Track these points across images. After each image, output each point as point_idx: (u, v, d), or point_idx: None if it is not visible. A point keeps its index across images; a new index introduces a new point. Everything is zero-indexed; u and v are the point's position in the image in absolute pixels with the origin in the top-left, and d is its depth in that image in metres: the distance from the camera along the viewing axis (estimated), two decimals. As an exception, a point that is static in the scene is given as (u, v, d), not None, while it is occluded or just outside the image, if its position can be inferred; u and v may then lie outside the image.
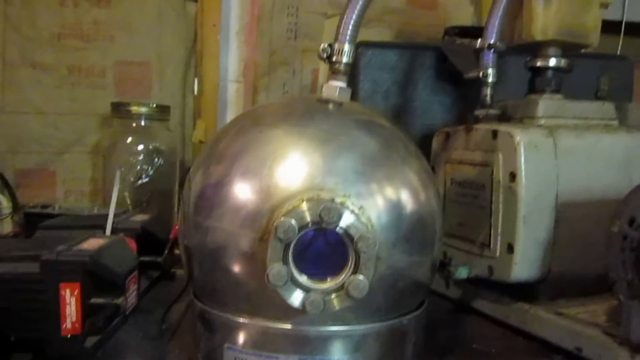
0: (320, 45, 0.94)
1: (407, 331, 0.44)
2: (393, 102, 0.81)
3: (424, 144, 0.69)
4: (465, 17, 0.97)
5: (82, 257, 0.42)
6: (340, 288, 0.36)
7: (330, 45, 0.48)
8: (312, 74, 0.94)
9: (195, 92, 0.98)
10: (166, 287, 0.61)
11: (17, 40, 0.92)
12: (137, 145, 0.82)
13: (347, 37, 0.48)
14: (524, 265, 0.55)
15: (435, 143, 0.66)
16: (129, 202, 0.82)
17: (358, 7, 0.48)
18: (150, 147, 0.82)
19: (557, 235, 0.55)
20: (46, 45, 0.92)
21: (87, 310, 0.42)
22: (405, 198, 0.41)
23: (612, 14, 1.03)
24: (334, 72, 0.48)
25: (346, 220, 0.36)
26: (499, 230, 0.56)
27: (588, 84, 0.82)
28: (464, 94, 0.79)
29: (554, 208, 0.55)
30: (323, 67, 0.95)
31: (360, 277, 0.36)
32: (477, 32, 0.82)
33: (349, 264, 0.36)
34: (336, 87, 0.47)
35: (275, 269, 0.35)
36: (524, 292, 0.58)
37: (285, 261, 0.36)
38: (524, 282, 0.55)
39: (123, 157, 0.81)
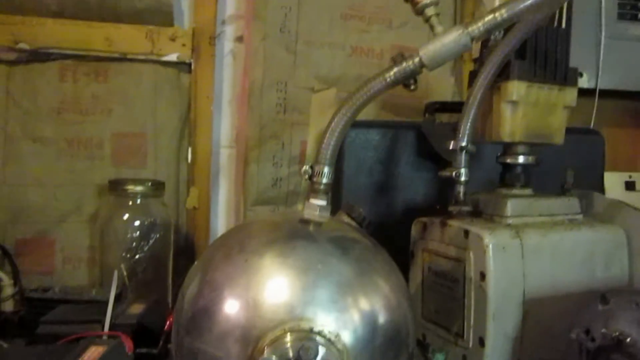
0: (307, 117, 1.00)
1: None
2: (376, 178, 0.85)
3: (406, 218, 0.74)
4: (446, 88, 1.02)
5: (84, 375, 0.46)
6: (317, 417, 0.40)
7: (312, 167, 0.53)
8: (301, 145, 0.99)
9: (189, 160, 1.02)
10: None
11: (18, 115, 0.96)
12: (134, 222, 0.86)
13: (327, 160, 0.52)
14: (494, 358, 0.59)
15: (414, 231, 0.71)
16: (125, 274, 0.85)
17: (337, 133, 0.52)
18: (146, 222, 0.86)
19: (525, 330, 0.59)
20: (46, 119, 0.96)
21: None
22: (379, 319, 0.46)
23: (587, 83, 1.08)
24: (314, 192, 0.52)
25: (322, 355, 0.40)
26: (471, 323, 0.60)
27: (561, 157, 0.87)
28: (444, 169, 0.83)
29: (521, 304, 0.59)
30: (311, 139, 1.00)
31: (336, 407, 0.40)
32: (456, 106, 0.88)
33: (324, 396, 0.40)
34: (317, 206, 0.52)
35: (259, 402, 0.39)
36: (497, 378, 0.62)
37: (268, 393, 0.40)
38: (494, 372, 0.60)
39: (120, 232, 0.85)
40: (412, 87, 0.52)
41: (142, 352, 0.61)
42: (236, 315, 0.44)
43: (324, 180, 0.52)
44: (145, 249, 0.85)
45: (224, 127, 1.06)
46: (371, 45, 1.00)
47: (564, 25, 1.00)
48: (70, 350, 0.50)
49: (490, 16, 0.48)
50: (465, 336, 0.61)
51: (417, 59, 0.50)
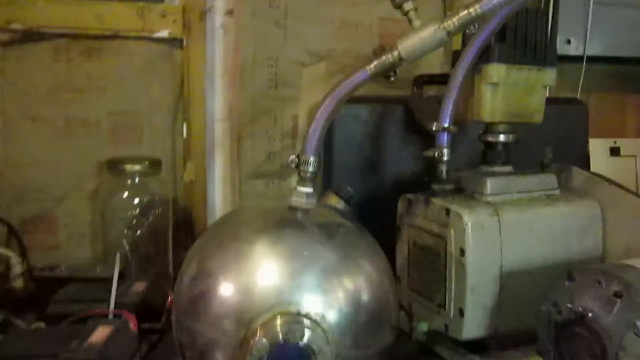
0: (299, 92, 1.02)
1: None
2: (366, 153, 0.88)
3: (395, 192, 0.77)
4: (435, 61, 1.04)
5: (92, 355, 0.51)
6: (305, 391, 0.44)
7: (299, 157, 0.55)
8: (293, 120, 1.01)
9: (184, 135, 1.05)
10: (164, 349, 0.69)
11: (15, 96, 0.98)
12: (133, 200, 0.89)
13: (312, 150, 0.55)
14: (473, 327, 0.63)
15: (400, 207, 0.74)
16: (127, 249, 0.89)
17: (321, 124, 0.55)
18: (145, 200, 0.90)
19: (502, 301, 0.63)
20: (42, 99, 0.98)
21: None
22: (362, 298, 0.50)
23: (575, 50, 1.10)
24: (301, 179, 0.55)
25: (308, 336, 0.44)
26: (452, 295, 0.64)
27: (545, 129, 0.90)
28: (432, 144, 0.86)
29: (498, 278, 0.63)
30: (302, 113, 1.02)
31: (322, 382, 0.44)
32: (444, 79, 0.89)
33: (312, 371, 0.45)
34: (304, 193, 0.55)
35: (252, 379, 0.44)
36: (477, 344, 0.66)
37: (260, 371, 0.44)
38: (473, 339, 0.64)
39: (120, 210, 0.89)
40: (392, 78, 0.55)
41: (146, 328, 0.66)
42: (230, 300, 0.48)
43: (310, 169, 0.55)
44: (146, 225, 0.89)
45: (218, 101, 1.07)
46: (360, 19, 1.01)
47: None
48: (79, 330, 0.55)
49: (465, 12, 0.50)
50: (446, 307, 0.65)
51: (395, 53, 0.52)
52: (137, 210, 0.89)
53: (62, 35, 0.99)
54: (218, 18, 1.05)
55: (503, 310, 0.64)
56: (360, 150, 0.88)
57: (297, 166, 0.55)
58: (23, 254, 0.87)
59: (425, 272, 0.69)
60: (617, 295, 0.48)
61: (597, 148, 1.08)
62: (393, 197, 0.76)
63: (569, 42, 1.09)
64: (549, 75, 0.68)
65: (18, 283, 0.81)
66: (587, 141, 1.01)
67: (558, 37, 1.06)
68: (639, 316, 0.46)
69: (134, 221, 0.88)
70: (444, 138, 0.67)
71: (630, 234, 0.66)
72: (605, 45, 1.12)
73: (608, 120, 1.20)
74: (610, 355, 0.47)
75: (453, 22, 0.50)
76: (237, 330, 0.46)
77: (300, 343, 0.44)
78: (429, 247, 0.68)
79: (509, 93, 0.67)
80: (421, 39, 0.51)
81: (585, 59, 1.11)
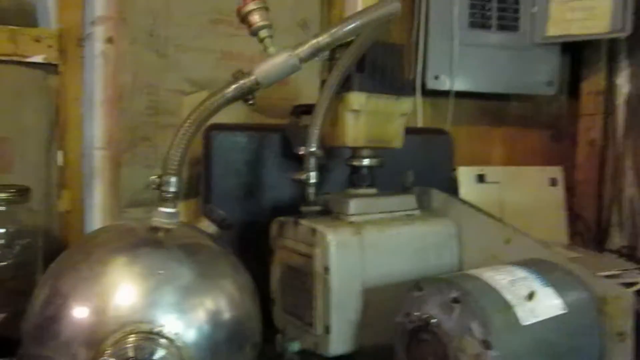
0: (179, 119, 1.02)
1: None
2: (244, 180, 0.90)
3: (273, 216, 0.78)
4: (314, 91, 1.08)
5: None
6: (156, 410, 0.44)
7: (160, 177, 0.56)
8: (173, 148, 1.01)
9: (60, 163, 1.01)
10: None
11: None
12: (-2, 230, 0.84)
13: (173, 170, 0.56)
14: (339, 343, 0.65)
15: (273, 230, 0.76)
16: (-11, 282, 0.84)
17: (182, 146, 0.56)
18: (12, 230, 0.85)
19: (366, 316, 0.66)
20: None
21: None
22: (218, 317, 0.50)
23: (442, 85, 1.19)
24: (162, 200, 0.56)
25: (160, 353, 0.44)
26: (319, 313, 0.66)
27: (413, 156, 0.96)
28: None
29: (361, 293, 0.66)
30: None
31: (173, 399, 0.44)
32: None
33: (163, 388, 0.44)
34: (165, 214, 0.55)
35: (98, 401, 0.43)
36: (344, 360, 0.69)
37: (107, 393, 0.43)
38: (340, 356, 0.66)
39: (-18, 242, 0.84)
40: (251, 102, 0.57)
41: (0, 362, 0.62)
42: (81, 321, 0.47)
43: (171, 189, 0.55)
44: (10, 257, 0.84)
45: (97, 129, 1.05)
46: (241, 50, 1.04)
47: (421, 35, 1.10)
48: None
49: (314, 41, 0.54)
50: (314, 325, 0.67)
51: (252, 77, 0.55)
52: (3, 241, 0.83)
53: None
54: (98, 45, 1.04)
55: (367, 325, 0.66)
56: (239, 176, 0.89)
57: (159, 187, 0.56)
58: None
59: (296, 292, 0.71)
60: (455, 301, 0.52)
61: (465, 175, 1.17)
62: (271, 222, 0.78)
63: (437, 77, 1.18)
64: (406, 104, 0.74)
65: None
66: (452, 168, 1.09)
67: (427, 73, 1.17)
68: (474, 320, 0.50)
69: (-2, 252, 0.83)
70: (311, 162, 0.70)
71: (481, 249, 0.72)
72: (471, 82, 1.22)
73: (476, 150, 1.30)
74: (451, 357, 0.51)
75: (304, 49, 0.54)
76: (87, 352, 0.45)
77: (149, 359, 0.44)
78: (298, 268, 0.70)
79: (369, 120, 0.71)
80: (274, 65, 0.54)
81: (453, 94, 1.20)
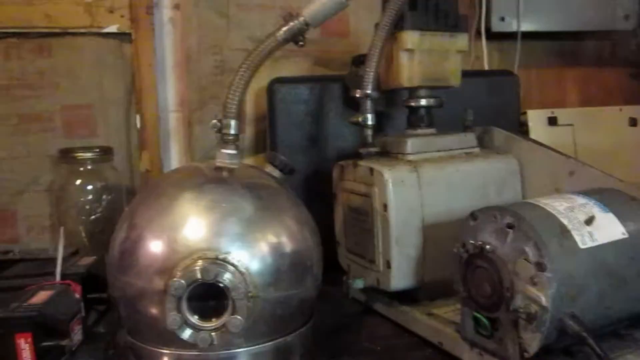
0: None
1: (292, 346, 0.56)
2: (307, 131, 0.93)
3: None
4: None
5: (32, 312, 0.54)
6: (223, 326, 0.48)
7: (220, 121, 0.59)
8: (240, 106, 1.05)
9: (138, 126, 1.08)
10: (113, 317, 0.72)
11: (-31, 95, 1.01)
12: (86, 186, 0.92)
13: (232, 114, 0.59)
14: (400, 278, 0.67)
15: (335, 174, 0.78)
16: (84, 235, 0.93)
17: (239, 90, 0.59)
18: (98, 186, 0.93)
19: (426, 252, 0.68)
20: (-3, 97, 1.02)
21: (40, 354, 0.54)
22: (278, 246, 0.54)
23: (508, 27, 1.15)
24: (224, 142, 0.59)
25: (223, 275, 0.48)
26: (380, 249, 0.68)
27: (479, 99, 0.95)
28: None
29: (420, 230, 0.67)
30: (249, 98, 1.07)
31: (237, 317, 0.48)
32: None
33: (228, 308, 0.48)
34: (227, 155, 0.59)
35: (171, 318, 0.48)
36: (408, 296, 0.71)
37: (179, 310, 0.48)
38: (402, 290, 0.68)
39: (74, 197, 0.92)
40: (301, 43, 0.59)
41: (94, 297, 0.69)
42: (155, 251, 0.52)
43: (232, 132, 0.59)
44: (99, 210, 0.92)
45: (170, 92, 1.11)
46: (300, 4, 1.05)
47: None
48: (21, 295, 0.58)
49: (359, -24, 0.54)
50: (376, 261, 0.69)
51: (302, 18, 0.57)
52: (90, 197, 0.92)
53: (13, 35, 1.02)
54: (166, 11, 1.09)
55: (427, 261, 0.68)
56: (302, 127, 0.92)
57: (219, 130, 0.59)
58: (-19, 244, 0.90)
59: (358, 232, 0.73)
60: (509, 226, 0.52)
61: (535, 118, 1.14)
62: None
63: (503, 19, 1.14)
64: (461, 40, 0.73)
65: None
66: (521, 112, 1.06)
67: (492, 15, 1.14)
68: (528, 242, 0.50)
69: (87, 207, 0.91)
70: (367, 104, 0.71)
71: (544, 184, 0.71)
72: (539, 21, 1.17)
73: (548, 94, 1.26)
74: (506, 281, 0.52)
75: (350, -15, 0.55)
76: (162, 278, 0.50)
77: (216, 281, 0.48)
78: (359, 208, 0.72)
79: (424, 59, 0.71)
80: (322, 3, 0.56)
81: (520, 35, 1.16)
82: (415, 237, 0.67)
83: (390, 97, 0.83)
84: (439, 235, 0.68)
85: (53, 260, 0.73)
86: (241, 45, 1.05)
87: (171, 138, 1.12)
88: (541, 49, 1.25)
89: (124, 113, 1.08)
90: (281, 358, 0.55)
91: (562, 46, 1.26)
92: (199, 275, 0.48)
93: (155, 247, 0.52)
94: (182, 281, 0.47)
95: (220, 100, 1.05)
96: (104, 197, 0.93)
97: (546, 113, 1.16)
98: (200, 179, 0.57)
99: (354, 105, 0.92)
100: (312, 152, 0.92)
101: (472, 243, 0.55)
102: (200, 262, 0.49)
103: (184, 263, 0.49)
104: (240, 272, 0.50)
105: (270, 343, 0.54)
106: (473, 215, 0.56)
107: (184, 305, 0.48)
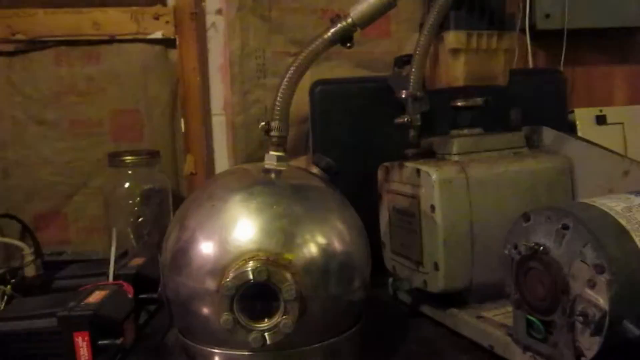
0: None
1: (342, 347, 0.56)
2: (350, 132, 0.92)
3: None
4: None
5: (88, 311, 0.56)
6: (274, 327, 0.49)
7: (268, 123, 0.60)
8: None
9: (183, 130, 1.10)
10: (163, 317, 0.74)
11: (22, 101, 1.05)
12: (134, 189, 0.95)
13: (280, 116, 0.59)
14: (448, 279, 0.67)
15: (379, 175, 0.78)
16: (132, 236, 0.95)
17: (287, 92, 0.59)
18: (145, 188, 0.95)
19: (474, 253, 0.67)
20: (47, 103, 1.05)
21: (97, 351, 0.56)
22: (327, 248, 0.54)
23: (553, 24, 1.12)
24: (272, 144, 0.60)
25: (275, 276, 0.49)
26: (427, 251, 0.68)
27: (524, 98, 0.92)
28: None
29: (469, 231, 0.66)
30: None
31: (287, 318, 0.48)
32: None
33: (280, 309, 0.49)
34: (275, 157, 0.59)
35: (224, 317, 0.48)
36: (456, 298, 0.70)
37: (232, 310, 0.48)
38: (451, 292, 0.68)
39: (122, 201, 0.94)
40: (349, 44, 0.59)
41: (144, 297, 0.71)
42: (206, 252, 0.52)
43: (279, 134, 0.59)
44: (147, 212, 0.94)
45: (215, 96, 1.13)
46: (341, 7, 1.06)
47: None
48: (77, 294, 0.60)
49: (407, -24, 0.54)
50: (423, 263, 0.69)
51: (349, 19, 0.57)
52: (138, 199, 0.94)
53: (63, 43, 1.06)
54: (210, 17, 1.11)
55: (476, 262, 0.67)
56: (344, 128, 0.92)
57: (267, 133, 0.60)
58: (36, 246, 0.93)
59: (404, 233, 0.73)
60: (565, 227, 0.51)
61: (583, 117, 1.11)
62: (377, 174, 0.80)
63: (547, 16, 1.12)
64: (509, 39, 0.72)
65: (30, 270, 0.87)
66: (568, 110, 1.04)
67: (537, 12, 1.11)
68: (585, 244, 0.49)
69: (135, 209, 0.93)
70: (413, 104, 0.71)
71: (596, 184, 0.69)
72: (586, 17, 1.14)
73: (596, 92, 1.22)
74: (562, 283, 0.50)
75: (397, -14, 0.54)
76: (214, 278, 0.51)
77: (268, 282, 0.48)
78: (405, 209, 0.72)
79: (471, 58, 0.70)
80: (369, 4, 0.56)
81: (566, 32, 1.13)
82: (463, 238, 0.66)
83: (435, 98, 0.82)
84: (488, 237, 0.67)
85: (104, 261, 0.76)
86: (283, 48, 1.05)
87: (215, 141, 1.14)
88: (587, 46, 1.21)
89: (169, 117, 1.10)
90: (332, 358, 0.55)
91: (610, 43, 1.23)
92: (250, 276, 0.48)
93: (207, 248, 0.52)
94: (235, 281, 0.48)
95: (262, 103, 1.07)
96: (152, 200, 0.95)
97: (594, 111, 1.13)
98: (250, 181, 0.57)
99: (397, 106, 0.92)
100: (354, 154, 0.92)
101: (524, 244, 0.54)
102: (251, 263, 0.49)
103: (236, 264, 0.50)
104: (292, 273, 0.50)
105: (318, 345, 0.54)
106: (526, 216, 0.55)
107: (236, 305, 0.49)
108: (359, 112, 0.92)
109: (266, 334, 0.48)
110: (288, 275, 0.49)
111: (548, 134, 0.76)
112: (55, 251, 0.87)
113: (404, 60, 1.00)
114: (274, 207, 0.53)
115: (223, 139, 1.14)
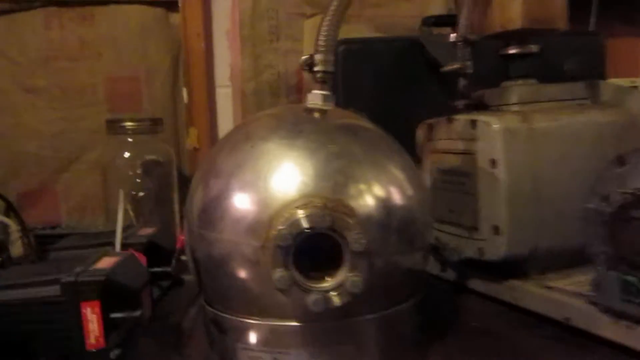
0: (301, 44, 0.98)
1: (405, 318, 0.47)
2: (376, 94, 0.84)
3: (408, 132, 0.72)
4: (440, 4, 1.00)
5: (99, 276, 0.45)
6: (339, 286, 0.39)
7: (311, 56, 0.51)
8: (297, 75, 0.97)
9: (185, 101, 1.01)
10: (177, 294, 0.64)
11: (7, 67, 0.94)
12: (135, 159, 0.85)
13: (326, 47, 0.50)
14: (511, 245, 0.58)
15: (420, 135, 0.70)
16: (132, 214, 0.85)
17: (336, 18, 0.50)
18: (148, 159, 0.85)
19: (540, 214, 0.58)
20: (36, 68, 0.95)
21: (108, 325, 0.46)
22: (392, 195, 0.45)
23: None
24: (317, 82, 0.51)
25: (337, 223, 0.39)
26: (485, 214, 0.59)
27: (558, 63, 0.85)
28: (443, 81, 0.82)
29: (534, 189, 0.58)
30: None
31: (356, 274, 0.39)
32: (451, 20, 0.85)
33: (345, 263, 0.40)
34: (320, 95, 0.50)
35: (279, 274, 0.39)
36: (515, 269, 0.61)
37: (287, 266, 0.39)
38: (513, 260, 0.59)
39: (122, 171, 0.84)
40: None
41: (157, 271, 0.61)
42: (247, 201, 0.43)
43: (325, 68, 0.50)
44: (150, 186, 0.84)
45: (219, 66, 1.04)
46: (363, -34, 0.98)
47: None
48: (84, 259, 0.50)
49: None
50: (479, 228, 0.60)
51: None
52: (140, 170, 0.84)
53: (52, 2, 0.96)
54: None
55: (542, 224, 0.59)
56: (369, 92, 0.84)
57: (310, 68, 0.51)
58: (22, 225, 0.82)
59: (453, 197, 0.64)
60: (676, 167, 0.43)
61: (615, 88, 1.04)
62: (406, 137, 0.72)
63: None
64: (570, -24, 0.64)
65: (17, 249, 0.76)
66: (603, 72, 0.97)
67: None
68: None
69: (137, 180, 0.83)
70: (465, 50, 0.62)
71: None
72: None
73: (624, 62, 1.16)
74: (675, 234, 0.42)
75: None
76: (259, 230, 0.41)
77: (330, 230, 0.39)
78: (454, 169, 0.63)
79: (528, -3, 0.62)
80: None
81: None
82: (526, 197, 0.58)
83: (480, 47, 0.74)
84: (553, 195, 0.58)
85: (105, 233, 0.66)
86: (298, 9, 0.97)
87: (221, 114, 1.04)
88: (617, 16, 1.15)
89: (170, 86, 1.01)
90: (394, 330, 0.46)
91: (636, 14, 1.17)
92: (305, 224, 0.39)
93: (247, 196, 0.43)
94: (290, 230, 0.39)
95: (275, 69, 0.98)
96: (155, 171, 0.85)
97: (625, 83, 1.06)
98: (294, 119, 0.48)
99: (428, 65, 0.84)
100: (379, 116, 0.83)
101: (621, 193, 0.46)
102: (304, 210, 0.40)
103: (288, 212, 0.40)
104: (358, 222, 0.41)
105: (383, 313, 0.45)
106: (620, 160, 0.47)
107: (291, 261, 0.39)
108: (385, 73, 0.84)
109: (331, 293, 0.39)
110: (354, 224, 0.40)
111: (606, 88, 0.68)
112: (48, 225, 0.76)
113: (432, 21, 0.93)
114: (329, 145, 0.44)
115: (229, 112, 1.04)
